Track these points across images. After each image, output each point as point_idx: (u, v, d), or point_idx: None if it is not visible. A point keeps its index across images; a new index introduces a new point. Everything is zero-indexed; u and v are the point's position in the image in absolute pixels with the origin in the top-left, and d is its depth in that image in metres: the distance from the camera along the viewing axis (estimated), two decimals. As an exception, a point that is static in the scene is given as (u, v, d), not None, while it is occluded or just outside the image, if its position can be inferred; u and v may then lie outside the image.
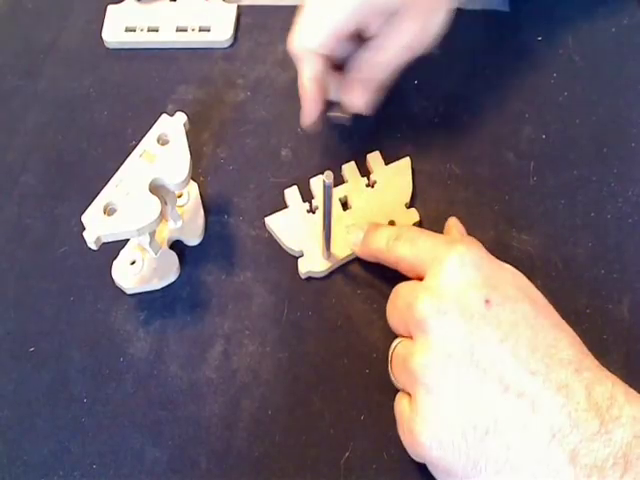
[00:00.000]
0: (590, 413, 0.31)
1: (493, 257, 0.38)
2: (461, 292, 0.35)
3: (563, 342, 0.34)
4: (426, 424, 0.34)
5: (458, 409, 0.33)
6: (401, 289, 0.40)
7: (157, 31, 0.57)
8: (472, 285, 0.35)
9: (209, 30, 0.57)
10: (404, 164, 0.49)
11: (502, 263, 0.38)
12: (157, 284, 0.46)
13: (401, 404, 0.38)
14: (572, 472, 0.31)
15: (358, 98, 0.46)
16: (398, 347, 0.39)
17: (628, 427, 0.31)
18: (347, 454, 0.40)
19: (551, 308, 0.37)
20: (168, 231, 0.48)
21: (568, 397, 0.32)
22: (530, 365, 0.32)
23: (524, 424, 0.32)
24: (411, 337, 0.37)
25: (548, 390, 0.32)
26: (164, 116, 0.45)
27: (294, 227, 0.47)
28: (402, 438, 0.37)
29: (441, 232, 0.47)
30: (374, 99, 0.46)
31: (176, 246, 0.48)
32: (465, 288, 0.35)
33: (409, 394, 0.37)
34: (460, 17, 0.47)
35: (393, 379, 0.39)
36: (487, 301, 0.34)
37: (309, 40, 0.44)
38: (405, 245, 0.40)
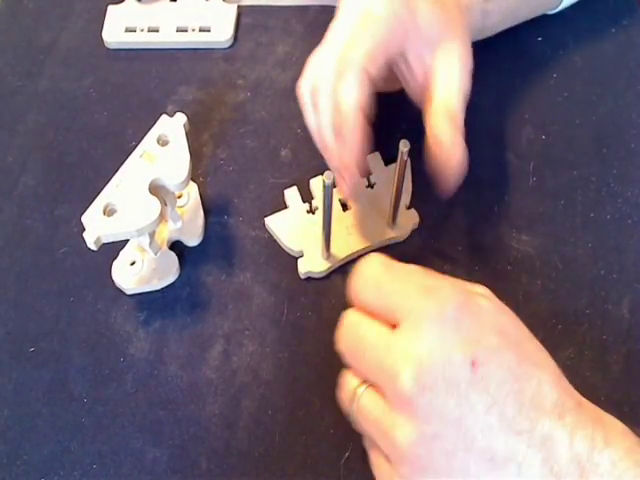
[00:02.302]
0: (572, 465, 0.31)
1: (463, 286, 0.35)
2: (446, 359, 0.32)
3: (546, 385, 0.33)
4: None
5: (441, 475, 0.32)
6: (368, 333, 0.34)
7: (157, 31, 0.57)
8: (456, 347, 0.32)
9: (209, 30, 0.57)
10: (404, 164, 0.49)
11: (475, 295, 0.34)
12: (157, 284, 0.46)
13: (381, 467, 0.35)
14: None
15: (456, 139, 0.42)
16: (366, 399, 0.35)
17: (606, 475, 0.31)
18: (347, 454, 0.40)
19: (526, 334, 0.35)
20: (168, 232, 0.48)
21: (551, 450, 0.31)
22: (517, 425, 0.32)
23: None
24: (375, 386, 0.34)
25: (533, 448, 0.31)
26: (164, 117, 0.45)
27: (294, 227, 0.47)
28: None
29: (441, 233, 0.47)
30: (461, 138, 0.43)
31: (176, 247, 0.48)
32: (449, 352, 0.32)
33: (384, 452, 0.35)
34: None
35: (354, 424, 0.36)
36: (473, 363, 0.32)
37: (355, 53, 0.40)
38: (369, 290, 0.35)
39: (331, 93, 0.42)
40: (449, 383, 0.32)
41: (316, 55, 0.43)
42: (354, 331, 0.35)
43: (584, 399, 0.34)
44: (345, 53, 0.41)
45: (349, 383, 0.36)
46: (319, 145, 0.44)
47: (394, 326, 0.34)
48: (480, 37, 0.50)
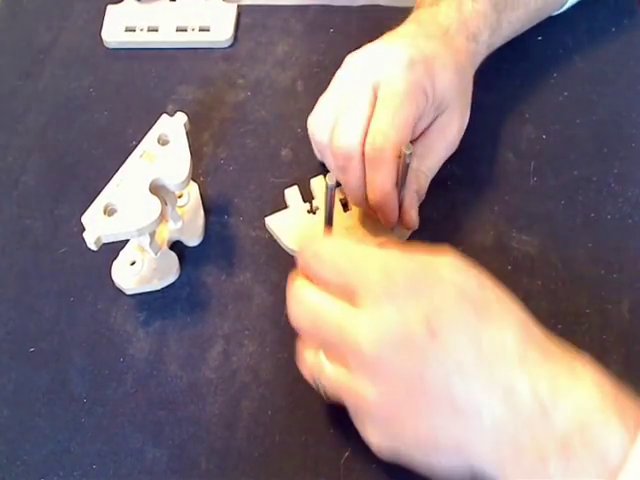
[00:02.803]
0: (534, 411, 0.32)
1: (421, 256, 0.36)
2: (404, 323, 0.34)
3: (508, 335, 0.34)
4: (382, 438, 0.35)
5: (410, 433, 0.34)
6: (328, 310, 0.36)
7: (157, 31, 0.57)
8: (413, 317, 0.34)
9: (209, 30, 0.57)
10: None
11: (433, 262, 0.36)
12: (157, 284, 0.46)
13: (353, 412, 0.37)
14: (516, 465, 0.32)
15: (414, 219, 0.45)
16: (330, 372, 0.36)
17: (570, 415, 0.32)
18: (347, 454, 0.40)
19: (489, 289, 0.36)
20: (168, 232, 0.48)
21: (513, 398, 0.32)
22: (478, 379, 0.33)
23: (473, 431, 0.33)
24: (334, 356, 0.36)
25: (495, 396, 0.32)
26: (164, 116, 0.45)
27: (294, 227, 0.47)
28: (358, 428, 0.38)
29: (441, 233, 0.47)
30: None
31: (176, 247, 0.48)
32: (407, 323, 0.34)
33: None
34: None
35: (323, 394, 0.38)
36: (431, 331, 0.33)
37: (387, 142, 0.41)
38: (328, 271, 0.36)
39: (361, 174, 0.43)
40: (408, 345, 0.33)
41: (342, 129, 0.43)
42: (313, 307, 0.36)
43: (554, 347, 0.35)
44: (376, 139, 0.41)
45: (308, 359, 0.38)
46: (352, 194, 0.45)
47: (351, 302, 0.35)
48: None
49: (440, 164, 0.46)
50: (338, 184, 0.48)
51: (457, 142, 0.46)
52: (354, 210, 0.48)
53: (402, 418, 0.34)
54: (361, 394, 0.35)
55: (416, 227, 0.45)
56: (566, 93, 0.53)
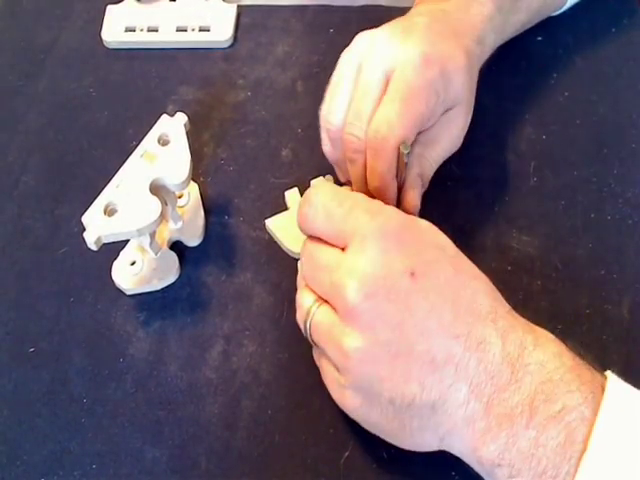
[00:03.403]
0: (503, 365, 0.34)
1: (407, 216, 0.38)
2: (387, 270, 0.35)
3: (480, 293, 0.36)
4: (356, 394, 0.36)
5: (388, 383, 0.35)
6: (322, 255, 0.38)
7: (157, 31, 0.57)
8: (396, 260, 0.35)
9: (209, 30, 0.57)
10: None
11: (417, 221, 0.38)
12: (157, 285, 0.46)
13: (330, 375, 0.38)
14: (486, 421, 0.33)
15: (415, 198, 0.44)
16: (319, 315, 0.38)
17: (536, 374, 0.33)
18: (347, 454, 0.40)
19: (462, 256, 0.38)
20: (168, 232, 0.48)
21: (485, 351, 0.34)
22: (455, 329, 0.34)
23: (448, 385, 0.34)
24: (328, 303, 0.37)
25: (469, 350, 0.34)
26: (164, 116, 0.45)
27: (294, 229, 0.47)
28: (330, 392, 0.39)
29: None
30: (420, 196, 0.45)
31: (176, 247, 0.48)
32: (390, 265, 0.35)
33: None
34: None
35: (310, 339, 0.39)
36: (412, 273, 0.35)
37: (392, 137, 0.41)
38: (319, 216, 0.38)
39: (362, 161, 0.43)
40: (390, 291, 0.35)
41: (355, 115, 0.43)
42: (310, 255, 0.39)
43: (517, 315, 0.37)
44: (381, 128, 0.41)
45: (304, 303, 0.38)
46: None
47: (345, 249, 0.37)
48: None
49: (443, 157, 0.46)
50: (337, 184, 0.49)
51: (461, 138, 0.46)
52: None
53: (380, 371, 0.35)
54: (344, 343, 0.35)
55: (417, 211, 0.45)
56: (566, 93, 0.53)
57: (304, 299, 0.39)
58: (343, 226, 0.37)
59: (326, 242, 0.38)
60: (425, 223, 0.38)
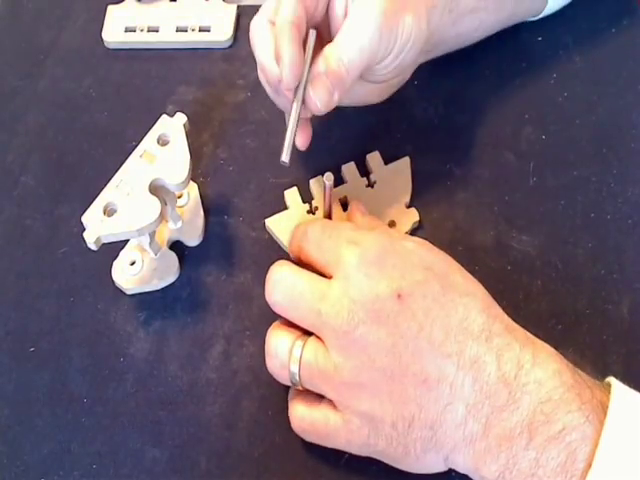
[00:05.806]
0: (499, 384, 0.33)
1: (393, 234, 0.39)
2: (373, 295, 0.35)
3: (473, 311, 0.35)
4: (362, 423, 0.36)
5: (388, 405, 0.35)
6: (304, 286, 0.37)
7: (157, 31, 0.57)
8: (381, 284, 0.36)
9: (209, 30, 0.57)
10: (403, 164, 0.49)
11: (403, 240, 0.38)
12: (157, 284, 0.46)
13: (327, 417, 0.37)
14: (486, 442, 0.33)
15: (323, 94, 0.40)
16: (308, 353, 0.37)
17: (534, 394, 0.33)
18: (347, 454, 0.40)
19: (455, 268, 0.38)
20: (168, 232, 0.48)
21: (480, 370, 0.34)
22: (445, 348, 0.34)
23: (444, 405, 0.34)
24: (312, 334, 0.37)
25: (462, 370, 0.34)
26: (164, 116, 0.45)
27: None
28: (334, 442, 0.38)
29: (441, 233, 0.47)
30: (334, 100, 0.41)
31: (176, 247, 0.48)
32: (375, 289, 0.35)
33: (330, 399, 0.37)
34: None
35: (297, 383, 0.38)
36: (399, 295, 0.35)
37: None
38: (312, 248, 0.40)
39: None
40: (379, 315, 0.35)
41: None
42: (291, 283, 0.38)
43: (516, 325, 0.36)
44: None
45: (282, 344, 0.38)
46: (264, 76, 0.42)
47: (331, 279, 0.37)
48: (457, 46, 0.50)
49: (361, 64, 0.40)
50: (337, 184, 0.49)
51: (376, 52, 0.40)
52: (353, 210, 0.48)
53: (380, 395, 0.35)
54: (343, 376, 0.35)
55: (320, 110, 0.41)
56: (566, 93, 0.53)
57: (280, 340, 0.38)
58: (329, 257, 0.38)
59: (314, 270, 0.39)
60: (411, 244, 0.38)
